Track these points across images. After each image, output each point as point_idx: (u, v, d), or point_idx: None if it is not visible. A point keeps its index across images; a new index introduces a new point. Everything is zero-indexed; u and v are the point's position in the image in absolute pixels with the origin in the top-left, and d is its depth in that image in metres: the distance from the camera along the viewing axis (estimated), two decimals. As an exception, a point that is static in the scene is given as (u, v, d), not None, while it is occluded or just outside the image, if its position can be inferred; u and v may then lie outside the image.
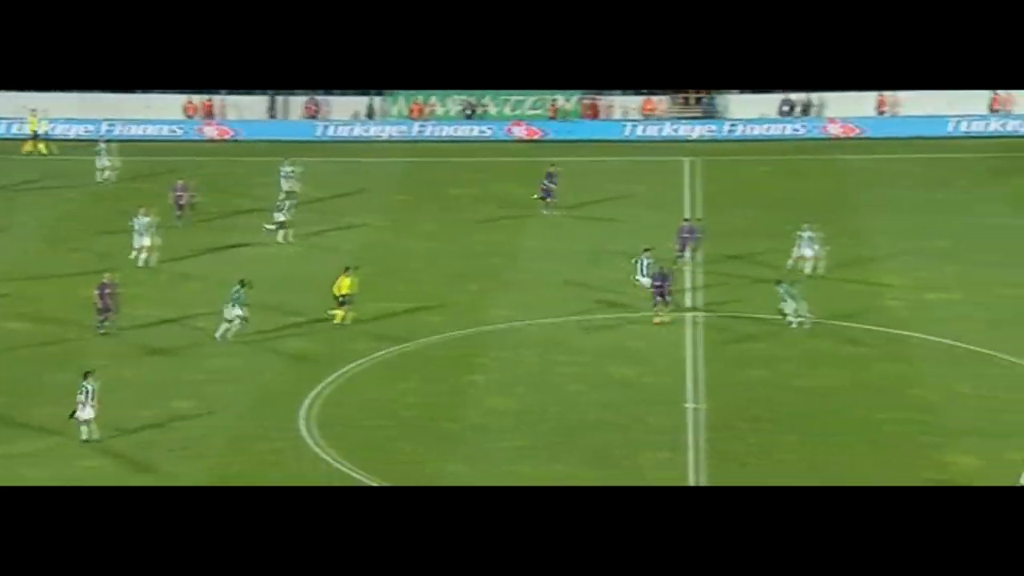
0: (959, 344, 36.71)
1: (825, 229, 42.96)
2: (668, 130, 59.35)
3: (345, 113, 61.25)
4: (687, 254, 42.30)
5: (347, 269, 38.52)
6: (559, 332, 38.27)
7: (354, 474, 30.09)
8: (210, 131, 60.59)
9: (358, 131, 60.41)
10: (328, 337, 37.54)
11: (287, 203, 46.41)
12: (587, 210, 49.43)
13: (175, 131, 60.77)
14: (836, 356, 36.15)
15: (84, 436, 31.27)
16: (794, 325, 37.25)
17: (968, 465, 30.15)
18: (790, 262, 41.50)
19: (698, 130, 59.11)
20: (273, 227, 45.64)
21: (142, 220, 43.37)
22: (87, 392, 31.14)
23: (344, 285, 38.03)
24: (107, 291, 37.74)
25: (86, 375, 31.49)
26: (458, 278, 42.59)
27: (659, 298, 38.12)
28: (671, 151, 57.14)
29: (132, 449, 31.24)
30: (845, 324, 38.19)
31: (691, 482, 29.62)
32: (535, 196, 48.56)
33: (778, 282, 38.04)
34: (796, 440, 31.53)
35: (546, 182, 48.56)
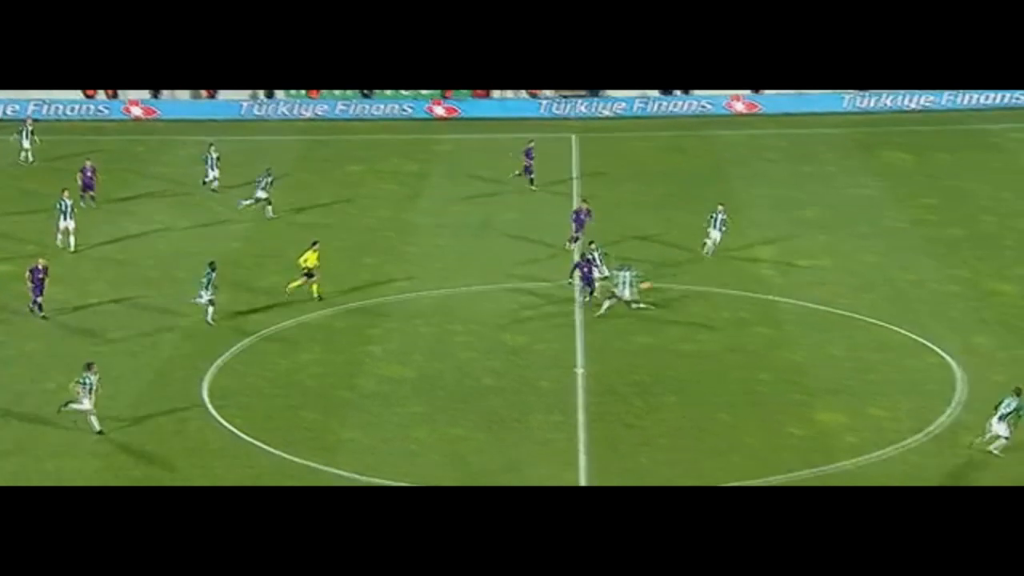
0: (827, 309, 37.72)
1: (706, 202, 43.72)
2: (581, 108, 59.65)
3: (243, 93, 60.78)
4: (583, 236, 42.35)
5: (314, 244, 38.45)
6: (452, 302, 38.61)
7: (256, 443, 30.19)
8: (136, 111, 59.88)
9: (283, 110, 59.97)
10: (230, 309, 37.44)
11: (267, 179, 45.83)
12: (478, 186, 49.80)
13: (102, 111, 59.95)
14: (714, 322, 36.91)
15: (97, 427, 30.19)
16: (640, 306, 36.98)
17: (834, 421, 31.09)
18: (710, 244, 41.48)
19: (612, 108, 59.52)
20: (250, 202, 45.34)
21: (66, 202, 42.66)
22: (88, 384, 30.13)
23: (311, 259, 37.99)
24: (39, 275, 37.09)
25: (88, 366, 30.47)
26: (355, 252, 42.72)
27: (586, 285, 37.25)
28: (558, 128, 57.64)
29: (30, 422, 30.90)
30: (722, 291, 39.03)
31: (581, 441, 30.17)
32: (516, 173, 48.49)
33: (621, 266, 37.45)
34: (677, 401, 32.23)
35: (525, 159, 48.54)
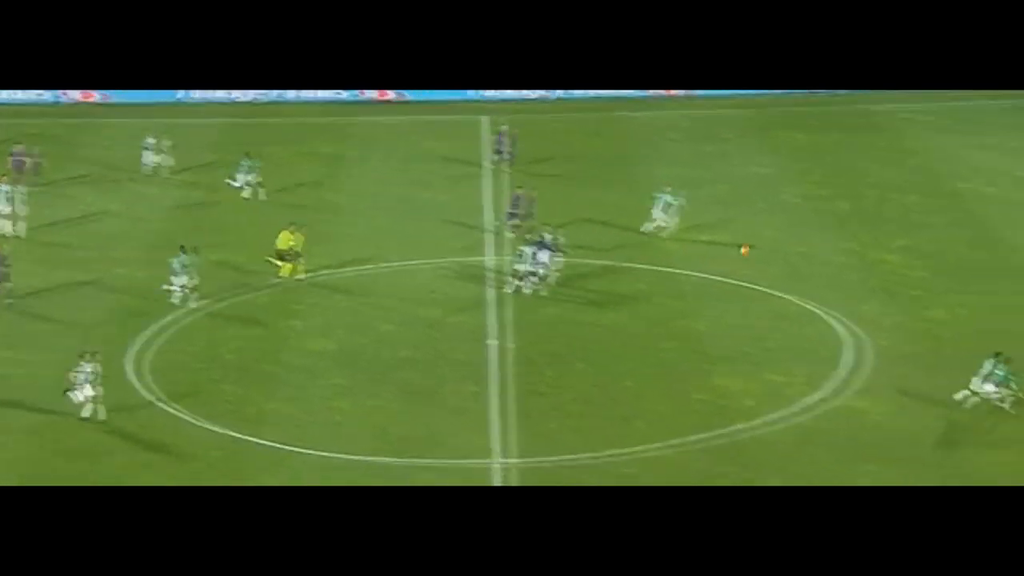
0: (727, 280, 38.12)
1: (613, 181, 43.83)
2: (508, 92, 59.04)
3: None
4: (518, 222, 41.44)
5: (292, 225, 37.89)
6: (372, 279, 38.45)
7: (182, 415, 29.88)
8: (74, 94, 58.44)
9: (220, 95, 58.80)
10: (153, 287, 36.92)
11: (249, 163, 45.19)
12: (395, 167, 49.58)
13: (41, 95, 58.32)
14: (620, 294, 37.15)
15: (87, 414, 29.22)
16: (527, 288, 36.49)
17: (733, 386, 31.46)
18: (650, 226, 41.35)
19: (539, 92, 59.11)
20: (237, 185, 44.72)
21: (4, 188, 41.57)
22: (88, 371, 29.22)
23: (287, 240, 37.43)
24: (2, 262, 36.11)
25: (84, 354, 29.57)
26: (277, 231, 42.21)
27: (539, 270, 36.48)
28: (470, 110, 57.39)
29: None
30: (627, 265, 39.30)
31: (495, 410, 30.24)
32: (493, 157, 48.18)
33: (531, 243, 37.12)
34: (586, 370, 32.43)
35: (498, 143, 48.20)
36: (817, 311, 35.81)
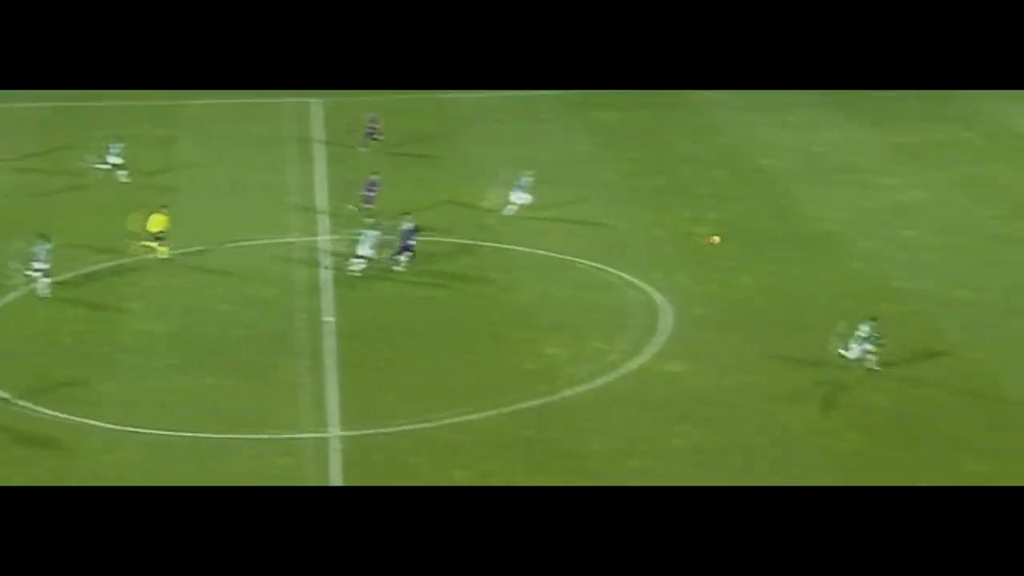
0: (553, 254, 38.52)
1: (438, 161, 43.66)
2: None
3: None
4: (371, 206, 40.75)
5: (162, 207, 37.09)
6: (207, 259, 37.61)
7: (18, 401, 28.74)
8: None
9: None
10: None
11: (119, 145, 43.66)
12: (227, 148, 48.56)
13: None
14: (449, 270, 37.18)
15: None
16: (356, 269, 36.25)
17: (560, 355, 31.86)
18: (512, 208, 41.00)
19: None
20: (107, 167, 43.31)
21: None
22: None
23: (159, 222, 36.56)
24: None
25: None
26: (110, 213, 40.95)
27: (407, 253, 36.31)
28: (298, 93, 56.42)
29: None
30: (459, 242, 39.28)
31: (330, 384, 29.95)
32: (361, 138, 47.48)
33: (375, 225, 36.94)
34: (421, 344, 32.38)
35: (369, 126, 47.73)
36: (637, 282, 36.50)
